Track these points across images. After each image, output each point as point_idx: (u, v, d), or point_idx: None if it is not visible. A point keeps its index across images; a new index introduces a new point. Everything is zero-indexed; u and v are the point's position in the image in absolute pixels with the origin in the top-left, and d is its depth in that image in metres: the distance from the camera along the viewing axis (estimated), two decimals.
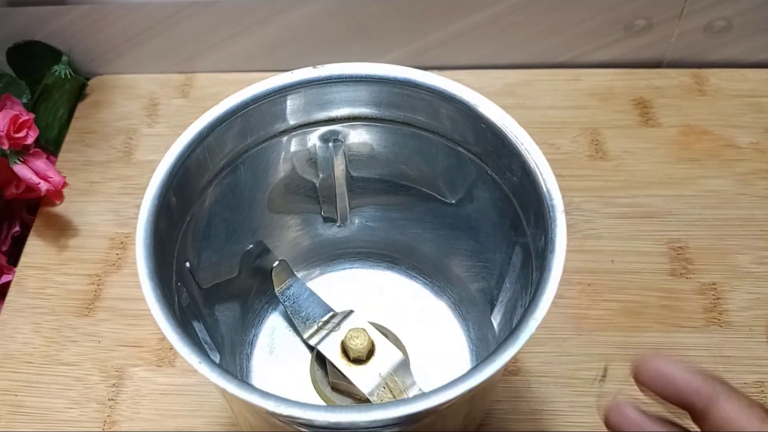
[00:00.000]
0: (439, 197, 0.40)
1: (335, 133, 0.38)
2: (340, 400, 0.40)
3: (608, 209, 0.49)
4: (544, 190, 0.31)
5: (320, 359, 0.40)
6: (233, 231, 0.40)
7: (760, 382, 0.41)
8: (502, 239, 0.37)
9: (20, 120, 0.46)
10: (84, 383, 0.43)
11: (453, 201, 0.40)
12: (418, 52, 0.56)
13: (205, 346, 0.36)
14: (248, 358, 0.41)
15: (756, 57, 0.56)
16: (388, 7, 0.53)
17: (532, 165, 0.32)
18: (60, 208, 0.50)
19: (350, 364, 0.38)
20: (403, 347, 0.41)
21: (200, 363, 0.28)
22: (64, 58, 0.55)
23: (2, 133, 0.45)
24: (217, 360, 0.37)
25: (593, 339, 0.43)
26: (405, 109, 0.36)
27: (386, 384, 0.39)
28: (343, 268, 0.45)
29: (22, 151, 0.47)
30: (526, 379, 0.42)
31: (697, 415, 0.25)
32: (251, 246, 0.41)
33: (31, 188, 0.47)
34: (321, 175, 0.40)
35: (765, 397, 0.41)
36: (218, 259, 0.39)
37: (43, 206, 0.50)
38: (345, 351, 0.39)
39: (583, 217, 0.48)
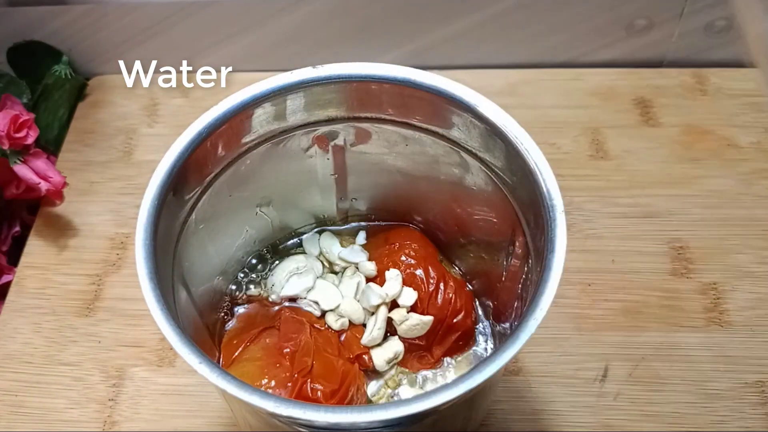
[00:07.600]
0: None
1: (335, 132, 0.38)
2: None
3: (609, 209, 0.48)
4: (544, 190, 0.31)
5: None
6: (233, 231, 0.40)
7: (761, 382, 0.41)
8: (501, 239, 0.37)
9: (20, 120, 0.46)
10: (84, 383, 0.43)
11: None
12: (418, 51, 0.56)
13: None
14: None
15: None
16: (388, 7, 0.53)
17: (532, 165, 0.32)
18: (60, 208, 0.50)
19: None
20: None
21: (200, 363, 0.28)
22: (64, 58, 0.55)
23: (2, 133, 0.45)
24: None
25: (594, 339, 0.43)
26: (405, 109, 0.36)
27: (387, 383, 0.39)
28: None
29: (22, 151, 0.47)
30: (527, 379, 0.42)
31: None
32: (252, 245, 0.41)
33: (32, 188, 0.47)
34: (321, 176, 0.40)
35: (765, 397, 0.41)
36: (219, 259, 0.39)
37: (43, 206, 0.50)
38: None
39: (584, 217, 0.48)
